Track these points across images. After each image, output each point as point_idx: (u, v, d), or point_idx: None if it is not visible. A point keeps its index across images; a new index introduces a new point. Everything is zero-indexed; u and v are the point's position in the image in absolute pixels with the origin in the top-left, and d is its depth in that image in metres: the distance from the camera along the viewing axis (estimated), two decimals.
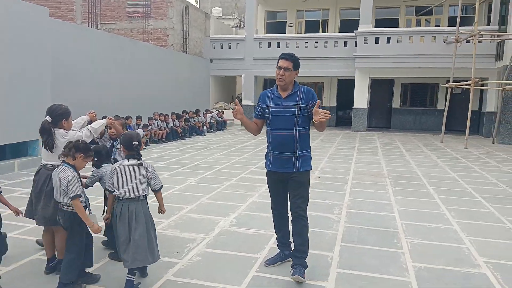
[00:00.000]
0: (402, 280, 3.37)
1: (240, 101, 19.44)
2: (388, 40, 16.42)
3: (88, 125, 3.58)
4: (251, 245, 4.03)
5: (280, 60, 3.31)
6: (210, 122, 16.04)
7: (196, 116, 15.14)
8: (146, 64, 13.50)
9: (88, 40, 10.73)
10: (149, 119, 11.91)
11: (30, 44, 7.82)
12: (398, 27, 18.59)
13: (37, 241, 3.83)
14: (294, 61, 3.31)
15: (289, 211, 3.50)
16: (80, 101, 9.84)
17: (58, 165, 3.19)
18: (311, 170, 3.43)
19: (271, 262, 3.54)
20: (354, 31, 16.98)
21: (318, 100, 3.23)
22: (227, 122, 17.77)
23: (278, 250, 3.65)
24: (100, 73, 11.08)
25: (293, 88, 3.35)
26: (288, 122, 3.28)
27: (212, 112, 17.10)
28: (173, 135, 12.74)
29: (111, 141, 4.05)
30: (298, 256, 3.31)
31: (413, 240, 4.31)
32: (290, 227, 3.53)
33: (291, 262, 3.38)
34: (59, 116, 3.26)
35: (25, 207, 3.45)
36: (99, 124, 3.61)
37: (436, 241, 4.31)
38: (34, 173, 3.34)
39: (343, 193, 6.32)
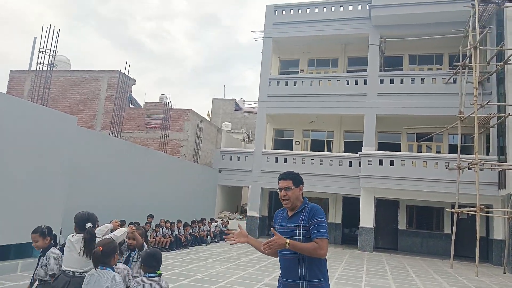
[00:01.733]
0: None
1: (244, 211, 19.50)
2: (392, 163, 17.05)
3: (111, 233, 3.68)
4: None
5: (279, 181, 3.18)
6: (214, 231, 15.86)
7: (201, 225, 15.04)
8: (159, 172, 13.95)
9: (107, 147, 11.32)
10: (157, 226, 11.88)
11: (54, 148, 8.28)
12: (400, 151, 19.43)
13: None
14: (293, 178, 3.16)
15: None
16: (92, 204, 9.99)
17: (76, 272, 3.22)
18: None
19: None
20: (359, 152, 17.77)
21: (272, 228, 3.08)
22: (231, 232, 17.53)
23: None
24: (114, 178, 11.42)
25: (299, 206, 3.14)
26: None
27: (217, 221, 17.02)
28: (176, 244, 12.54)
29: (129, 251, 4.08)
30: None
31: None
32: None
33: None
34: (95, 222, 3.41)
35: None
36: (121, 232, 3.72)
37: None
38: (53, 279, 3.35)
39: None
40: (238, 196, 23.12)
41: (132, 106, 18.66)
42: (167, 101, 17.69)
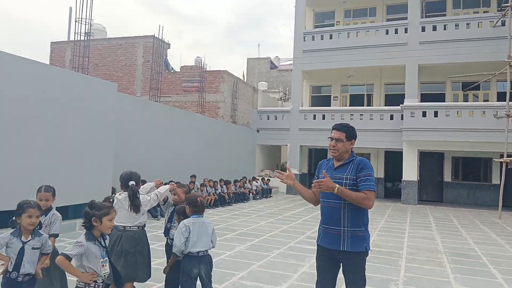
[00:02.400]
0: None
1: (284, 169, 19.66)
2: (436, 114, 16.40)
3: (155, 190, 3.87)
4: None
5: (333, 131, 3.18)
6: (256, 189, 16.22)
7: (243, 183, 15.41)
8: (199, 134, 14.26)
9: (148, 112, 11.64)
10: (201, 185, 12.30)
11: (98, 115, 8.63)
12: (444, 101, 18.60)
13: None
14: (347, 131, 3.13)
15: None
16: (137, 167, 10.44)
17: (128, 226, 3.45)
18: (366, 253, 3.05)
19: None
20: (400, 105, 17.20)
21: (324, 171, 3.06)
22: (272, 190, 17.90)
23: None
24: (157, 142, 11.82)
25: (347, 158, 3.15)
26: (336, 194, 3.00)
27: (258, 179, 17.35)
28: (220, 201, 12.99)
29: (173, 207, 4.29)
30: None
31: None
32: None
33: None
34: (139, 180, 3.60)
35: None
36: (164, 189, 3.90)
37: None
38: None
39: (397, 268, 6.08)
40: (277, 155, 23.32)
41: (172, 70, 18.88)
42: (202, 64, 17.72)
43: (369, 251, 3.05)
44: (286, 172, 3.26)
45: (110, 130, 8.99)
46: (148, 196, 3.73)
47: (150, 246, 3.83)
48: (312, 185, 3.00)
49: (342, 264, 3.07)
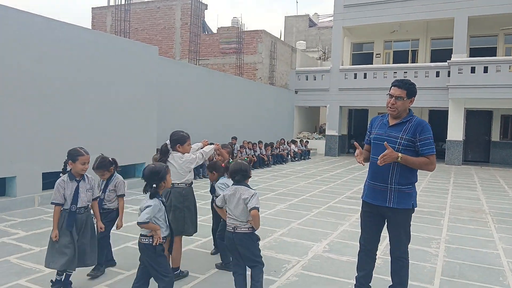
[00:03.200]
0: None
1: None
2: (486, 70, 15.48)
3: (201, 149, 4.02)
4: (346, 271, 4.08)
5: (392, 87, 3.04)
6: (295, 151, 16.30)
7: (281, 145, 15.52)
8: (237, 96, 14.36)
9: (188, 75, 11.80)
10: (240, 147, 12.53)
11: (141, 77, 8.87)
12: (496, 56, 17.44)
13: None
14: (408, 89, 2.99)
15: (378, 251, 3.30)
16: (179, 127, 10.75)
17: (176, 183, 3.65)
18: (413, 210, 3.06)
19: None
20: (447, 61, 16.33)
21: (385, 142, 2.93)
22: (311, 151, 17.91)
23: None
24: (197, 104, 12.04)
25: (405, 117, 3.05)
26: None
27: (297, 141, 17.38)
28: (259, 163, 13.21)
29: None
30: None
31: None
32: (374, 268, 3.30)
33: None
34: (174, 141, 3.74)
35: None
36: (209, 148, 4.04)
37: None
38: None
39: (440, 227, 6.05)
40: (316, 116, 23.09)
41: (206, 33, 18.82)
42: (240, 24, 17.48)
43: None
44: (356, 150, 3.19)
45: (153, 92, 9.25)
46: (194, 154, 3.88)
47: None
48: (378, 162, 2.91)
49: (387, 220, 3.10)
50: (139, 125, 8.84)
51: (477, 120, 18.26)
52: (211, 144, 4.30)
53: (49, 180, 7.06)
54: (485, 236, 5.63)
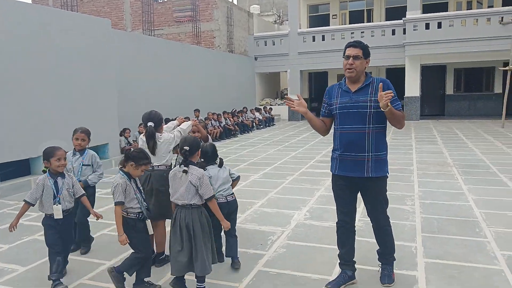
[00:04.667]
0: (493, 268, 3.32)
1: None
2: (439, 25, 15.83)
3: (178, 127, 3.81)
4: (331, 237, 4.08)
5: (348, 48, 2.94)
6: (259, 119, 16.22)
7: (244, 114, 15.35)
8: (197, 66, 13.90)
9: (143, 47, 11.20)
10: (205, 119, 12.26)
11: (95, 54, 8.29)
12: (448, 11, 17.84)
13: None
14: (364, 48, 2.93)
15: (357, 224, 3.23)
16: (139, 105, 10.32)
17: (156, 166, 3.45)
18: (387, 177, 3.04)
19: (333, 287, 3.03)
20: (403, 18, 16.52)
21: (381, 83, 2.80)
22: (275, 118, 17.90)
23: (340, 270, 3.19)
24: (156, 78, 11.53)
25: (364, 80, 2.95)
26: (359, 119, 2.88)
27: (260, 109, 17.26)
28: (226, 134, 13.04)
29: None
30: (386, 257, 3.15)
31: (496, 228, 4.20)
32: (355, 242, 3.20)
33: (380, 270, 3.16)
34: (159, 121, 3.52)
35: None
36: (186, 125, 3.84)
37: None
38: None
39: (411, 184, 6.24)
40: (277, 82, 22.96)
41: (161, 0, 17.88)
42: None
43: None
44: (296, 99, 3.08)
45: (109, 70, 8.73)
46: (172, 133, 3.67)
47: None
48: (384, 98, 2.71)
49: (363, 191, 3.02)
50: (99, 105, 8.35)
51: (432, 75, 18.83)
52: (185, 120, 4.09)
53: (6, 170, 6.59)
54: (455, 189, 5.87)
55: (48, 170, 3.22)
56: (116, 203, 2.94)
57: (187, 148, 2.95)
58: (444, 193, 5.62)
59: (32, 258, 3.81)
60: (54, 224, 3.18)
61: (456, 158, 8.23)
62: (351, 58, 2.90)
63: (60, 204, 3.16)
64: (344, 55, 2.97)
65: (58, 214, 3.15)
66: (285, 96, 3.15)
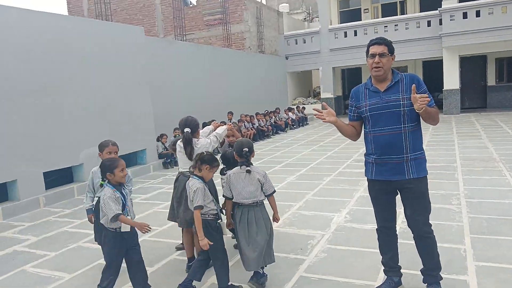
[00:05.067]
0: None
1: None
2: (478, 14, 15.12)
3: (214, 132, 3.81)
4: (374, 240, 3.93)
5: (372, 46, 2.79)
6: (292, 119, 16.09)
7: (277, 114, 15.27)
8: (228, 69, 13.97)
9: (176, 52, 11.36)
10: (238, 121, 12.28)
11: (130, 62, 8.47)
12: None
13: (176, 247, 4.15)
14: (388, 44, 2.79)
15: (399, 226, 3.07)
16: (174, 109, 10.48)
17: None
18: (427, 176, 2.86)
19: None
20: (438, 8, 15.90)
21: (414, 85, 2.65)
22: (308, 117, 17.72)
23: (385, 276, 3.07)
24: (188, 82, 11.67)
25: (392, 78, 2.80)
26: (394, 119, 2.74)
27: (293, 108, 17.13)
28: (259, 135, 13.02)
29: (230, 148, 4.24)
30: (431, 274, 2.88)
31: None
32: (398, 246, 3.06)
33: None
34: (196, 126, 3.55)
35: (168, 211, 3.80)
36: (222, 129, 3.84)
37: None
38: (174, 180, 3.67)
39: (455, 181, 5.96)
40: (309, 80, 22.72)
41: (191, 5, 18.14)
42: None
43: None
44: (323, 109, 2.93)
45: (144, 75, 8.90)
46: (208, 138, 3.69)
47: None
48: (419, 101, 2.59)
49: (405, 194, 2.83)
50: (135, 112, 8.53)
51: (472, 66, 18.02)
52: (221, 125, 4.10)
53: (51, 179, 6.86)
54: (503, 185, 5.56)
55: (108, 181, 2.98)
56: (196, 207, 3.01)
57: (246, 149, 3.18)
58: (492, 191, 5.33)
59: (78, 265, 3.91)
60: (120, 238, 2.94)
61: (503, 153, 7.80)
62: (377, 56, 2.75)
63: (129, 216, 2.98)
64: (368, 54, 2.82)
65: (125, 227, 2.93)
66: (313, 108, 3.06)
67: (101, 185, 3.18)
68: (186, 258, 3.67)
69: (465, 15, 15.30)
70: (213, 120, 5.27)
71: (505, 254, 3.45)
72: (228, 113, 12.36)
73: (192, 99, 11.65)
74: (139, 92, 8.70)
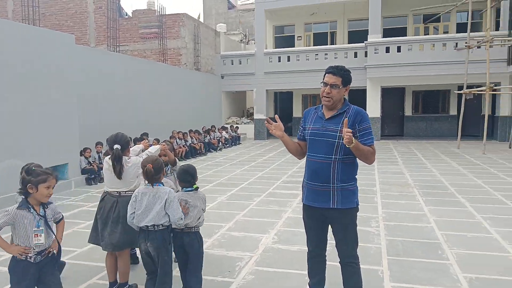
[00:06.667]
0: None
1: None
2: (399, 49, 16.57)
3: (146, 151, 3.71)
4: (300, 262, 4.07)
5: (327, 75, 2.79)
6: (226, 137, 16.17)
7: (212, 132, 15.27)
8: (163, 84, 13.74)
9: (108, 63, 10.95)
10: (170, 137, 12.06)
11: (57, 70, 8.00)
12: (406, 35, 18.73)
13: None
14: (344, 76, 2.77)
15: (329, 250, 3.09)
16: (103, 122, 10.04)
17: (123, 191, 3.32)
18: (357, 208, 2.87)
19: None
20: (364, 41, 17.17)
21: (346, 119, 2.66)
22: (241, 136, 17.92)
23: None
24: (120, 95, 11.27)
25: (341, 107, 2.83)
26: (327, 148, 2.76)
27: (227, 127, 17.24)
28: (191, 153, 12.88)
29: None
30: None
31: (458, 250, 4.34)
32: (325, 271, 3.11)
33: None
34: (126, 144, 3.41)
35: (89, 232, 3.58)
36: (155, 149, 3.74)
37: (481, 250, 4.34)
38: (100, 199, 3.48)
39: (375, 205, 6.37)
40: (243, 100, 23.08)
41: (126, 16, 17.66)
42: (159, 7, 16.61)
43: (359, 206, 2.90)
44: (275, 121, 2.95)
45: (72, 86, 8.44)
46: (141, 157, 3.56)
47: None
48: (343, 133, 2.58)
49: (332, 223, 2.87)
50: (59, 123, 8.02)
51: (392, 97, 19.60)
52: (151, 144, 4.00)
53: None
54: (417, 210, 6.04)
55: (25, 195, 2.55)
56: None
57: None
58: (407, 215, 5.77)
59: None
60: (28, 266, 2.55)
61: (417, 179, 8.51)
62: (328, 86, 2.77)
63: (41, 241, 2.57)
64: (322, 80, 2.83)
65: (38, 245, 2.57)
66: (266, 118, 3.07)
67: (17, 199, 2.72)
68: (108, 283, 3.49)
69: (387, 50, 16.67)
70: (144, 137, 5.15)
71: (417, 276, 3.73)
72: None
73: (123, 112, 11.25)
74: (65, 102, 8.21)
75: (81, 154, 8.87)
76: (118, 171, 3.33)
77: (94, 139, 9.26)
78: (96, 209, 3.56)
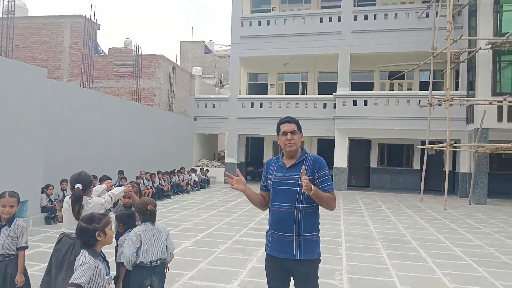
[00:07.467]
0: None
1: (220, 157, 19.57)
2: (366, 103, 17.33)
3: (109, 192, 3.65)
4: None
5: (283, 125, 2.98)
6: (195, 180, 16.02)
7: (181, 174, 15.11)
8: (134, 123, 13.68)
9: (80, 99, 10.86)
10: (137, 178, 11.84)
11: (26, 104, 7.86)
12: (373, 90, 19.69)
13: None
14: (297, 122, 3.01)
15: None
16: (69, 159, 9.80)
17: None
18: (319, 260, 2.89)
19: None
20: (333, 93, 17.88)
21: (303, 167, 2.76)
22: (210, 179, 17.81)
23: None
24: (90, 131, 11.11)
25: (299, 156, 2.94)
26: (290, 197, 2.82)
27: (196, 170, 17.13)
28: (159, 195, 12.64)
29: (124, 209, 4.08)
30: None
31: None
32: None
33: None
34: (89, 183, 3.35)
35: (42, 275, 3.40)
36: (119, 191, 3.69)
37: None
38: (56, 241, 3.35)
39: (339, 257, 6.40)
40: (215, 144, 23.17)
41: (102, 53, 17.75)
42: (136, 47, 16.86)
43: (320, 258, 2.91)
44: (236, 176, 3.03)
45: (39, 119, 8.27)
46: (102, 198, 3.49)
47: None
48: (305, 186, 2.65)
49: (294, 274, 2.84)
50: (23, 156, 7.77)
51: (358, 148, 20.20)
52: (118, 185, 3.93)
53: None
54: (380, 263, 6.11)
55: None
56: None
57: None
58: (370, 268, 5.82)
59: None
60: None
61: (381, 232, 8.65)
62: (289, 133, 2.92)
63: None
64: (279, 132, 2.98)
65: None
66: (226, 173, 3.16)
67: None
68: None
69: (355, 102, 17.40)
70: (107, 179, 5.07)
71: None
72: (118, 172, 11.46)
73: (92, 150, 11.05)
74: (30, 135, 8.00)
75: (42, 191, 8.54)
76: (77, 211, 3.24)
77: (60, 176, 8.98)
78: (52, 251, 3.42)
